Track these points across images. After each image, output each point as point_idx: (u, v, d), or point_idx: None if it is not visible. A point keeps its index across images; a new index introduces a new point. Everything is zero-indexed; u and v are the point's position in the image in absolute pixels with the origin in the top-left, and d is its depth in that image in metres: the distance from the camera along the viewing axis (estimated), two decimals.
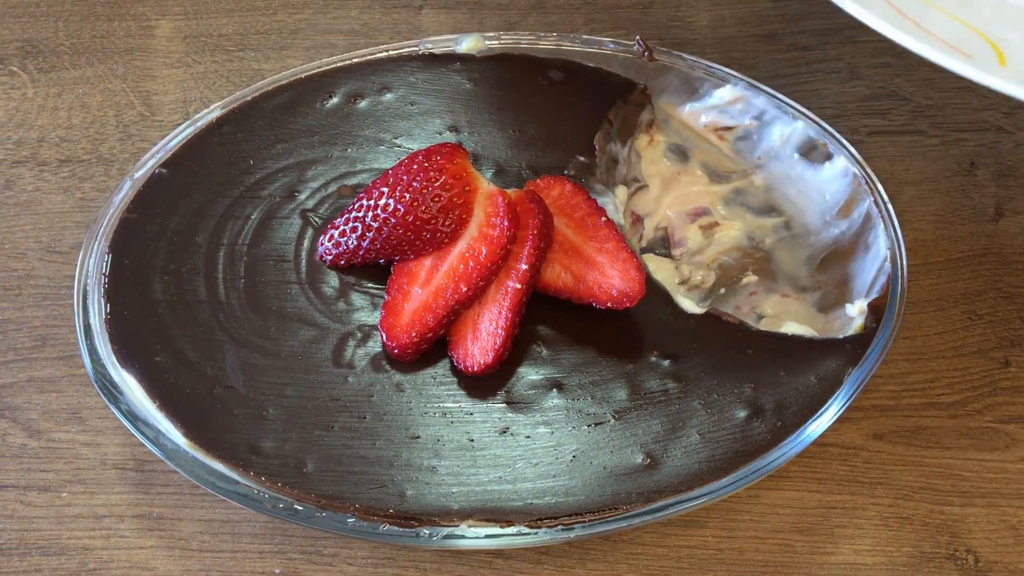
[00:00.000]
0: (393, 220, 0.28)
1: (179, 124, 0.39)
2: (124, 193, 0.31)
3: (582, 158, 0.32)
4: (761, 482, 0.30)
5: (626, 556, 0.29)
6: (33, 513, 0.31)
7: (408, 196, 0.28)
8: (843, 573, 0.29)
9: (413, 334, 0.28)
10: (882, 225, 0.30)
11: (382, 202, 0.28)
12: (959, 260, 0.35)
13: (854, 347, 0.28)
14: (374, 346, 0.28)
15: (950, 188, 0.37)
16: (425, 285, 0.28)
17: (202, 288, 0.29)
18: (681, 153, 0.34)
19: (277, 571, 0.30)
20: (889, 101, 0.39)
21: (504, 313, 0.28)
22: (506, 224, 0.27)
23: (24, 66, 0.41)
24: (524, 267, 0.28)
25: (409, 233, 0.28)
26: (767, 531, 0.30)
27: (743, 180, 0.33)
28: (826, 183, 0.32)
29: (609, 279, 0.28)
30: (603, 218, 0.28)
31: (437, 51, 0.34)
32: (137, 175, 0.32)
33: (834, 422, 0.28)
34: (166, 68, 0.41)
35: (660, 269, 0.31)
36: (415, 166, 0.28)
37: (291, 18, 0.42)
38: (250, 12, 0.42)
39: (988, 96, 0.39)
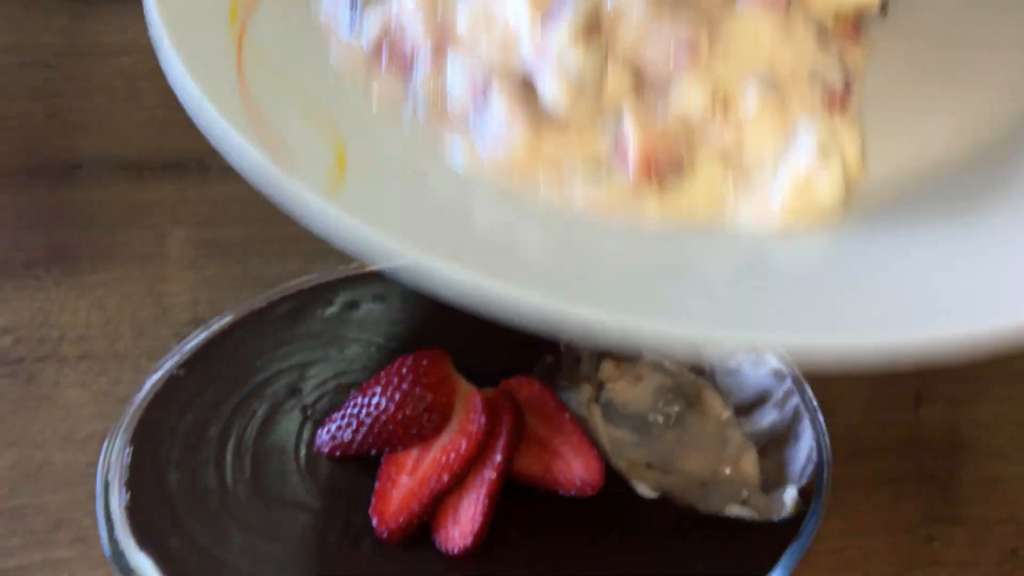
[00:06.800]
0: (384, 417, 0.32)
1: (188, 322, 0.43)
2: (145, 392, 0.35)
3: (549, 358, 0.36)
4: None
5: None
6: None
7: (398, 396, 0.32)
8: None
9: (401, 519, 0.31)
10: (808, 419, 0.34)
11: (374, 401, 0.32)
12: (886, 445, 0.39)
13: (789, 527, 0.32)
14: (366, 530, 0.32)
15: (876, 380, 0.41)
16: (412, 474, 0.32)
17: (212, 478, 0.33)
18: (637, 355, 0.38)
19: None
20: None
21: (481, 499, 0.31)
22: (483, 421, 0.32)
23: (49, 271, 0.45)
24: (499, 458, 0.32)
25: (399, 429, 0.32)
26: None
27: (689, 378, 0.38)
28: (763, 378, 0.37)
29: (573, 469, 0.32)
30: (567, 415, 0.33)
31: None
32: (156, 376, 0.36)
33: None
34: (178, 271, 0.45)
35: (620, 456, 0.35)
36: (404, 369, 0.32)
37: (291, 228, 0.46)
38: (255, 222, 0.47)
39: None
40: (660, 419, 0.37)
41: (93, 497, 0.37)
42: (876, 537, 0.37)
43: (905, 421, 0.40)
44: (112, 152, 0.50)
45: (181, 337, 0.38)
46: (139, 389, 0.35)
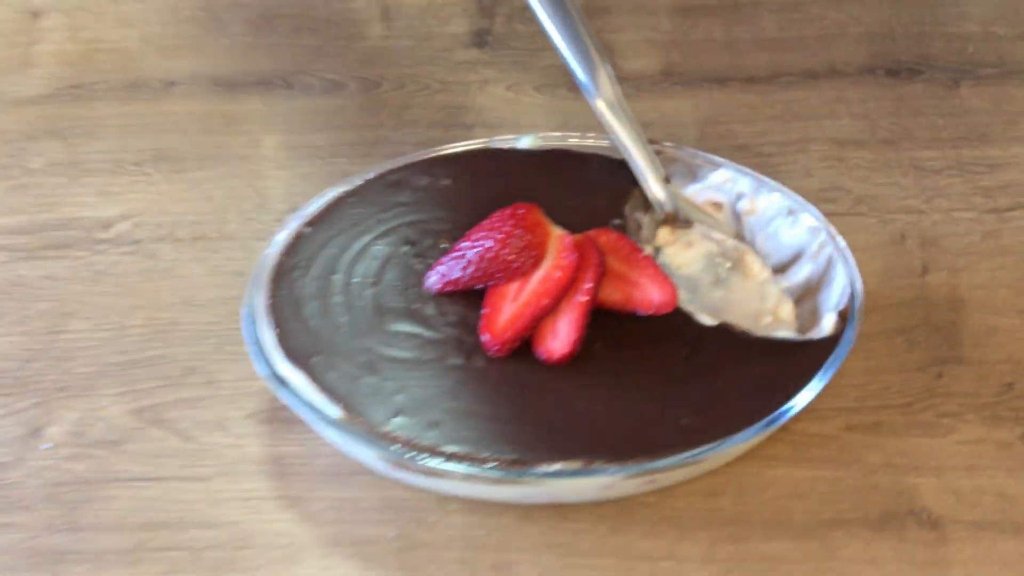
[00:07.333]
0: (490, 256, 0.38)
1: (287, 210, 0.49)
2: (277, 246, 0.41)
3: (616, 222, 0.43)
4: (763, 463, 0.39)
5: (665, 517, 0.38)
6: (190, 497, 0.39)
7: (502, 236, 0.38)
8: (829, 526, 0.38)
9: (508, 335, 0.38)
10: (841, 262, 0.41)
11: (480, 242, 0.39)
12: (898, 303, 0.46)
13: (831, 342, 0.39)
14: (476, 348, 0.38)
15: (887, 254, 0.48)
16: (515, 300, 0.38)
17: (342, 310, 0.39)
18: (687, 222, 0.45)
19: (391, 534, 0.38)
20: (836, 192, 0.50)
21: (575, 318, 0.38)
22: (574, 256, 0.38)
23: (158, 168, 0.51)
24: (589, 285, 0.38)
25: (502, 265, 0.38)
26: (770, 497, 0.39)
27: (733, 244, 0.44)
28: (799, 236, 0.43)
29: (651, 293, 0.38)
30: (641, 253, 0.39)
31: (504, 147, 0.45)
32: (284, 231, 0.42)
33: (815, 417, 0.38)
34: (274, 170, 0.51)
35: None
36: (505, 215, 0.39)
37: (371, 134, 0.53)
38: (338, 129, 0.53)
39: (909, 188, 0.51)
40: (709, 279, 0.43)
41: (218, 350, 0.43)
42: (893, 375, 0.43)
43: (914, 285, 0.46)
44: (204, 72, 0.56)
45: (283, 223, 0.44)
46: (272, 244, 0.41)
